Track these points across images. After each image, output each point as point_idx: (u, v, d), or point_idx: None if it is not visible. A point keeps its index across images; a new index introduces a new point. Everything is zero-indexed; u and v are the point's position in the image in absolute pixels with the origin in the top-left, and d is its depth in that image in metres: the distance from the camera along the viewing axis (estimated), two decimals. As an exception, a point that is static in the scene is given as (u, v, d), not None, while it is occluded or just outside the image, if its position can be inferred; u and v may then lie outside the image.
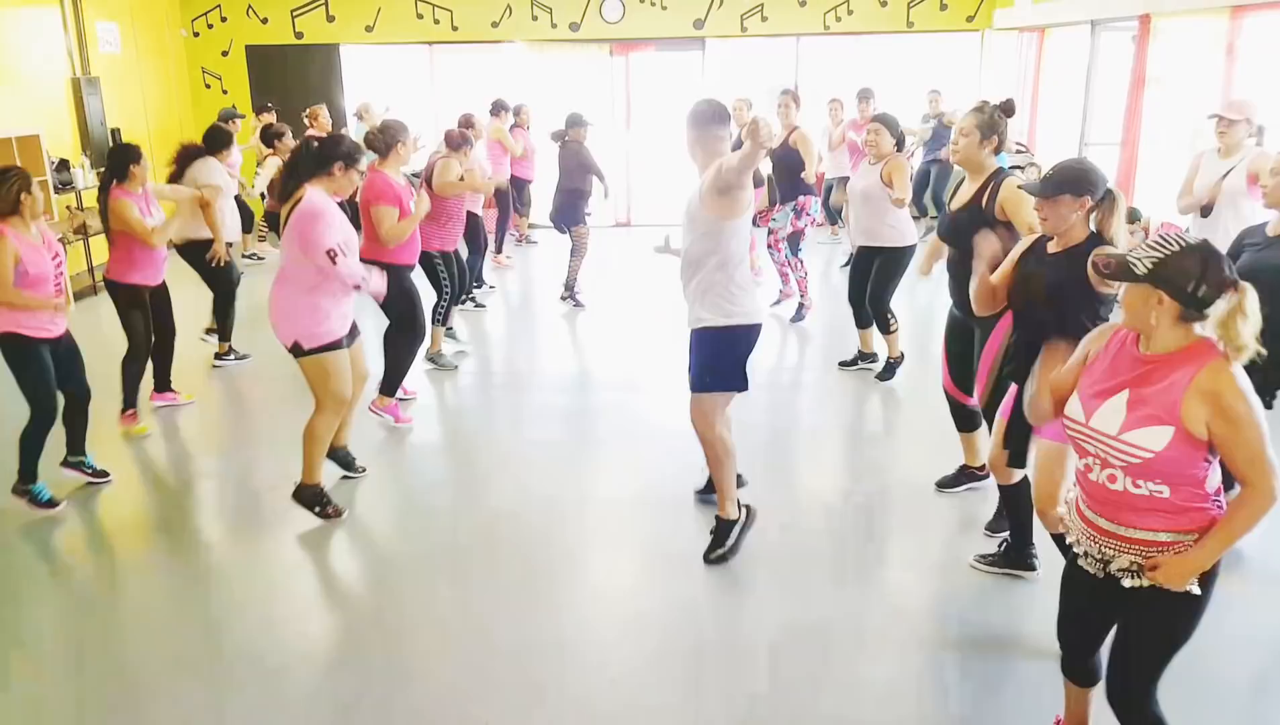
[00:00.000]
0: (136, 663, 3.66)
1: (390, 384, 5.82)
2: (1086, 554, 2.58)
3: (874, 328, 6.59)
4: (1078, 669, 2.85)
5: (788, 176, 7.61)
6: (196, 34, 12.59)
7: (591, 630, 3.81)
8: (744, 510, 4.28)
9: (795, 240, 7.78)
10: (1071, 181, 3.24)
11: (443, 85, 12.88)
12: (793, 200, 7.64)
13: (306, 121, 10.16)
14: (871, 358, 6.78)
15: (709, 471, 4.35)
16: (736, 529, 4.25)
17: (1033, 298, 3.43)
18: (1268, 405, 3.81)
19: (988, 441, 4.45)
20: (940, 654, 3.63)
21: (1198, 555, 2.37)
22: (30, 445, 4.72)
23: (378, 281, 4.71)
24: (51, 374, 4.68)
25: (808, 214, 7.69)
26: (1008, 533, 4.16)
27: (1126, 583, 2.47)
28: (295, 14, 12.48)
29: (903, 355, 6.56)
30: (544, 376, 7.14)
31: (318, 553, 4.48)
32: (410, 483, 5.35)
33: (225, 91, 12.65)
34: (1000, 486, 4.00)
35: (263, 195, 9.33)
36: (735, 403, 4.20)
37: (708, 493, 4.69)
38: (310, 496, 4.67)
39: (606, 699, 3.38)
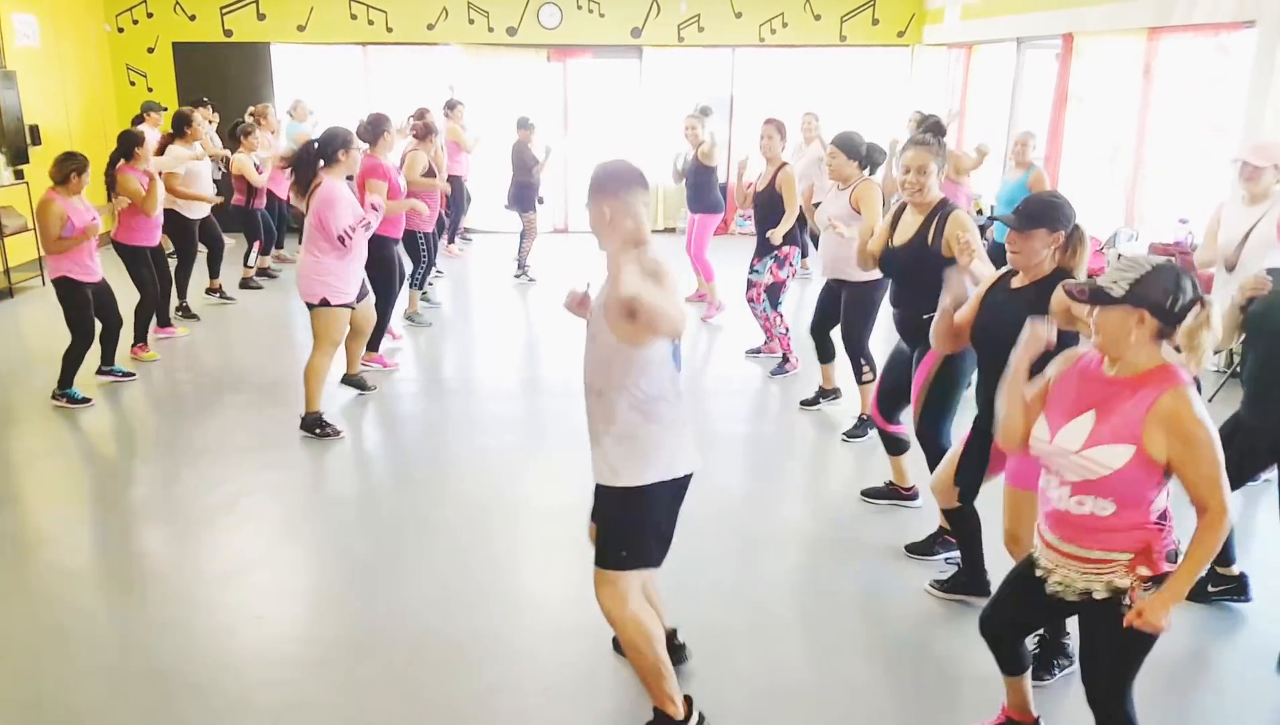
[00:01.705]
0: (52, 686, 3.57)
1: (373, 340, 6.79)
2: (1039, 567, 2.66)
3: (834, 363, 6.16)
4: (1003, 659, 2.96)
5: (769, 221, 6.62)
6: (121, 29, 12.28)
7: (527, 640, 3.79)
8: (696, 716, 3.17)
9: (775, 292, 6.81)
10: (1048, 217, 3.22)
11: (377, 87, 12.73)
12: (774, 249, 6.66)
13: (252, 119, 10.11)
14: (834, 394, 6.30)
15: (631, 662, 3.16)
16: None
17: (999, 333, 3.29)
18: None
19: (913, 463, 4.62)
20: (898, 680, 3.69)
21: (1173, 589, 2.44)
22: (72, 360, 6.16)
23: (359, 271, 5.75)
24: (91, 309, 6.18)
25: (790, 265, 6.73)
26: (943, 557, 4.22)
27: (1067, 598, 2.58)
28: (224, 11, 12.25)
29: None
30: (486, 383, 7.10)
31: (248, 562, 4.39)
32: (349, 486, 5.29)
33: (150, 89, 12.36)
34: (944, 510, 3.99)
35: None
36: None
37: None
38: (312, 421, 5.71)
39: (543, 710, 3.37)
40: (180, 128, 8.13)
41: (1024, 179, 7.39)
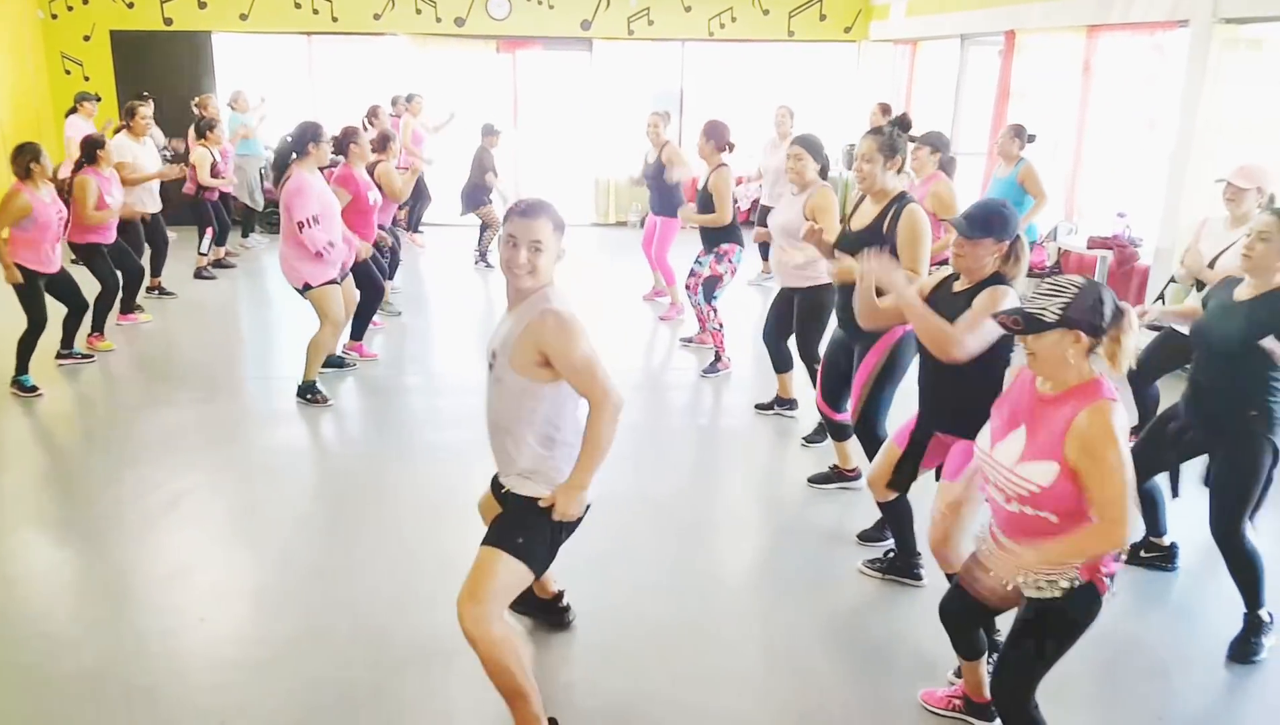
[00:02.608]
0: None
1: (358, 330, 7.06)
2: (1019, 581, 2.66)
3: (792, 372, 6.03)
4: (960, 644, 3.09)
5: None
6: (55, 16, 11.96)
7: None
8: None
9: (710, 286, 6.89)
10: (996, 226, 3.25)
11: (322, 77, 12.58)
12: (716, 245, 6.85)
13: (196, 110, 10.04)
14: (790, 404, 6.15)
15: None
16: None
17: None
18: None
19: (857, 449, 4.70)
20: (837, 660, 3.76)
21: (1030, 557, 2.53)
22: (26, 347, 6.21)
23: (339, 254, 5.98)
24: (43, 298, 6.25)
25: (730, 261, 6.87)
26: (889, 543, 4.31)
27: (1033, 594, 2.62)
28: (164, -1, 12.02)
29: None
30: (440, 378, 7.10)
31: (191, 563, 4.32)
32: (295, 485, 5.22)
33: (87, 78, 12.05)
34: (879, 503, 4.08)
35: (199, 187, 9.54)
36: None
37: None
38: (304, 389, 6.11)
39: (495, 704, 3.34)
40: (126, 120, 8.18)
41: (1013, 175, 7.12)
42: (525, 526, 3.01)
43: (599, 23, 12.49)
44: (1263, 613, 3.71)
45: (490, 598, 2.93)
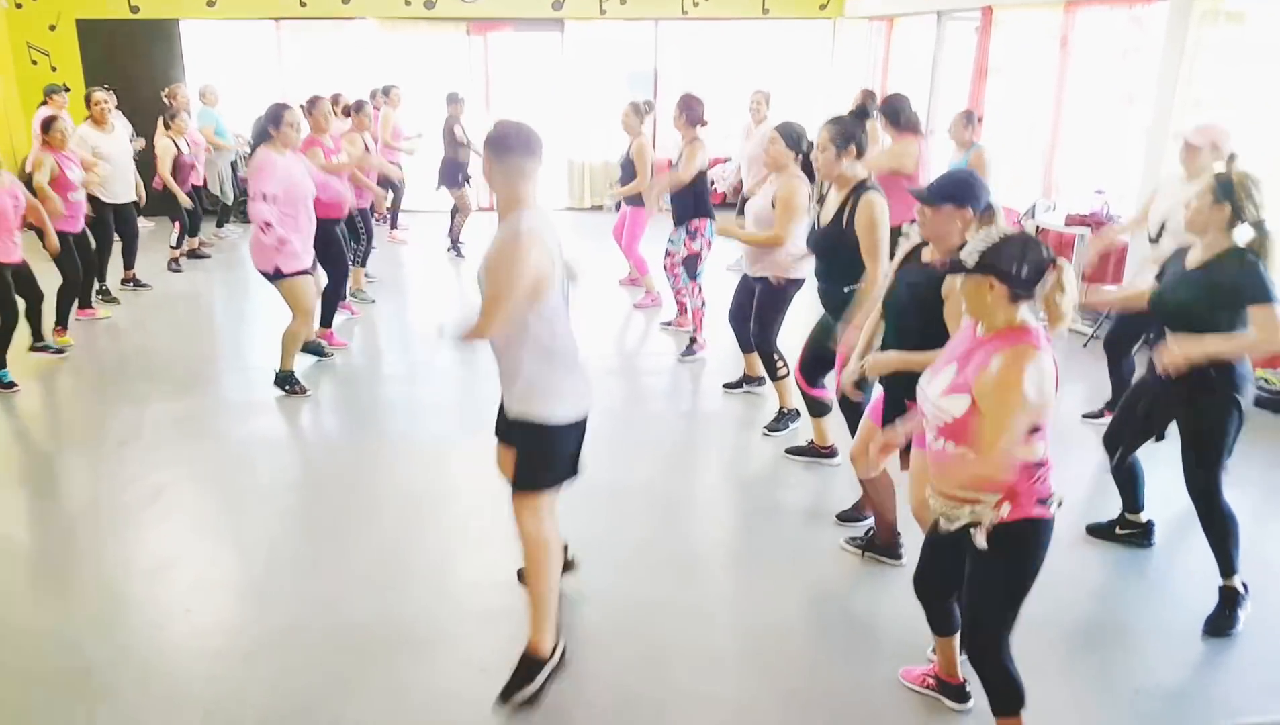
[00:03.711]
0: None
1: (326, 315, 6.93)
2: (937, 512, 2.82)
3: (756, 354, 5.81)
4: (933, 618, 3.14)
5: (682, 193, 6.89)
6: (19, 5, 11.73)
7: (461, 623, 3.76)
8: (560, 648, 3.41)
9: (692, 264, 6.97)
10: (955, 192, 3.27)
11: (291, 63, 12.40)
12: (686, 221, 6.90)
13: (166, 100, 9.85)
14: (759, 381, 6.16)
15: (528, 584, 3.41)
16: (547, 671, 3.34)
17: (908, 303, 3.48)
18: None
19: (835, 425, 4.82)
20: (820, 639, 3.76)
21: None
22: (0, 342, 6.11)
23: (278, 234, 5.64)
24: (12, 290, 6.12)
25: (702, 236, 6.90)
26: (869, 522, 4.33)
27: (951, 527, 2.74)
28: (130, -15, 11.81)
29: (797, 411, 5.57)
30: (415, 366, 7.02)
31: (175, 555, 4.26)
32: (276, 475, 5.15)
33: (54, 69, 11.86)
34: (860, 480, 4.10)
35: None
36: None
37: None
38: (283, 379, 6.08)
39: (479, 691, 3.33)
40: (85, 108, 8.07)
41: (965, 160, 7.09)
42: (539, 459, 3.30)
43: (570, 3, 12.36)
44: (1236, 581, 3.73)
45: (538, 511, 3.30)
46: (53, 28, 11.85)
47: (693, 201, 6.88)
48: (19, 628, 3.75)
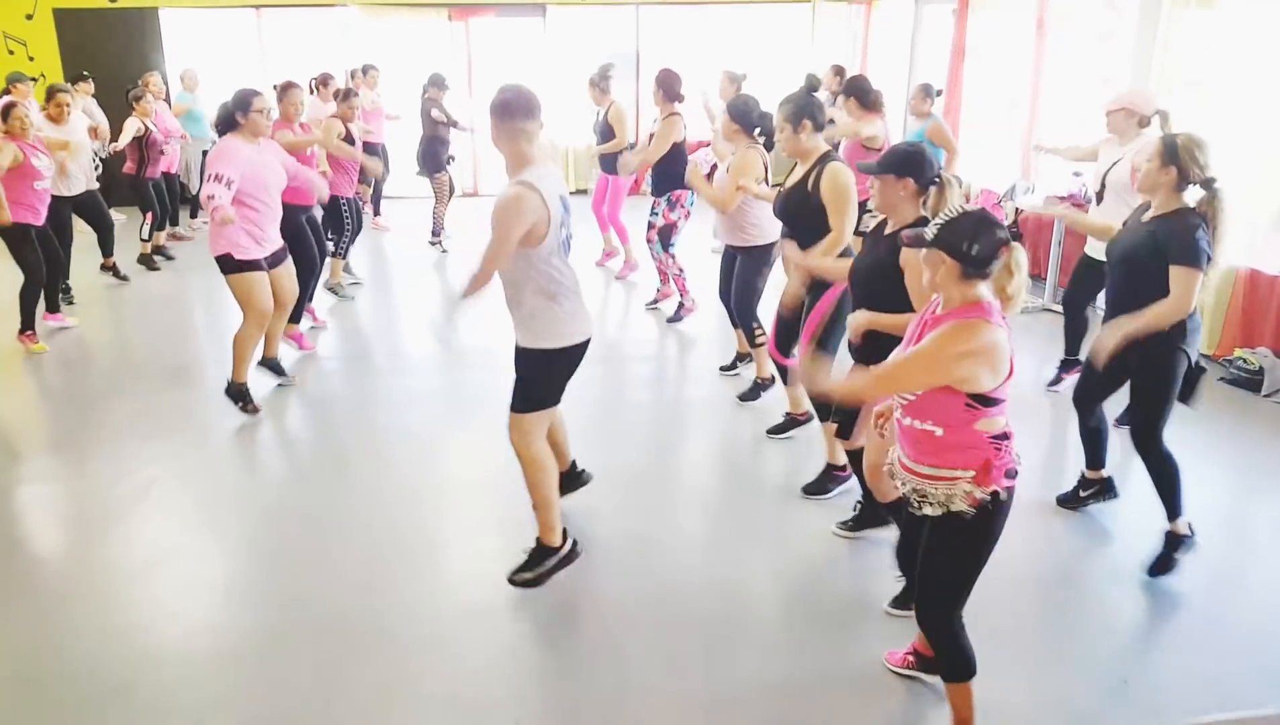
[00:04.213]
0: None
1: (295, 312, 6.42)
2: (904, 488, 2.91)
3: None
4: (912, 593, 3.18)
5: (663, 166, 7.20)
6: (-5, -5, 11.68)
7: (450, 622, 3.81)
8: (570, 544, 3.98)
9: (666, 234, 7.24)
10: (895, 164, 3.43)
11: (272, 50, 12.35)
12: (667, 192, 7.17)
13: (140, 87, 9.56)
14: (750, 359, 6.20)
15: (530, 493, 3.92)
16: (554, 559, 3.91)
17: (869, 273, 3.66)
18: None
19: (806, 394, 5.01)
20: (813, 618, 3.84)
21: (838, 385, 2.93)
22: None
23: (222, 213, 5.13)
24: None
25: (682, 206, 7.20)
26: (836, 492, 4.52)
27: (926, 511, 2.82)
28: (108, -25, 11.72)
29: (774, 378, 5.77)
30: (406, 359, 7.05)
31: (161, 554, 4.32)
32: (263, 471, 5.23)
33: (31, 58, 11.80)
34: (847, 452, 4.19)
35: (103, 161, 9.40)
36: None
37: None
38: (235, 392, 5.72)
39: (468, 690, 3.42)
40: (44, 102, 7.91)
41: (922, 130, 7.53)
42: (532, 383, 3.79)
43: (553, -12, 12.34)
44: (1181, 523, 3.96)
45: (527, 432, 3.80)
46: (29, 17, 11.79)
47: (673, 174, 7.04)
48: (8, 629, 3.78)
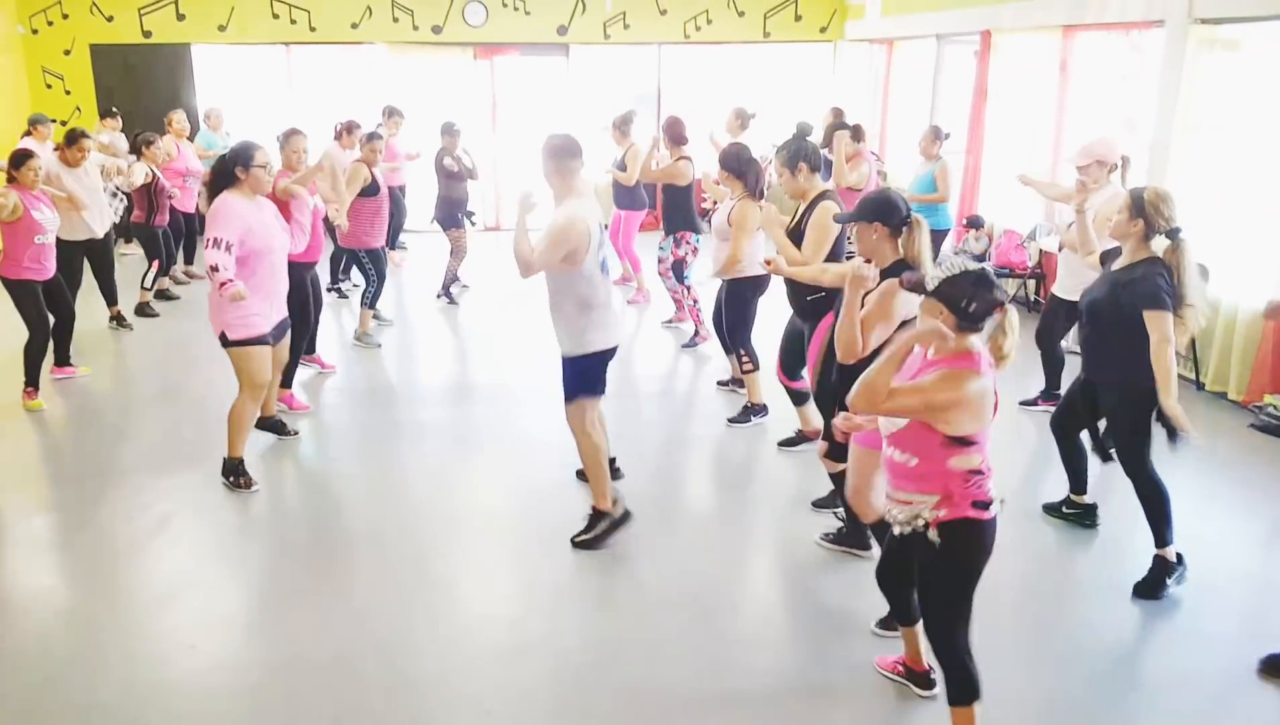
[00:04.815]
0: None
1: (285, 376, 6.15)
2: (890, 513, 3.08)
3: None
4: (895, 607, 3.45)
5: (672, 207, 7.90)
6: (35, 31, 11.91)
7: (465, 661, 3.80)
8: (622, 510, 4.64)
9: (679, 268, 7.85)
10: (865, 211, 3.75)
11: (301, 87, 12.55)
12: (675, 231, 7.80)
13: (166, 127, 9.65)
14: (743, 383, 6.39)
15: (585, 466, 4.66)
16: (607, 522, 4.59)
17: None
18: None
19: (815, 412, 5.29)
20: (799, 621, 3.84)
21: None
22: None
23: (233, 291, 4.69)
24: None
25: (688, 244, 7.79)
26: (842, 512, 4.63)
27: (896, 530, 3.04)
28: (143, 12, 11.95)
29: (765, 406, 6.11)
30: (418, 389, 7.09)
31: (179, 587, 4.33)
32: (281, 506, 5.23)
33: (68, 92, 12.05)
34: (830, 474, 4.48)
35: (127, 196, 9.11)
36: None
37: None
38: (228, 467, 5.25)
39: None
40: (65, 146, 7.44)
41: (930, 172, 8.08)
42: (575, 379, 4.50)
43: (575, 28, 12.51)
44: (1169, 551, 4.14)
45: (579, 416, 4.53)
46: (67, 53, 12.02)
47: (680, 214, 7.80)
48: (23, 663, 3.78)
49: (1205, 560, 4.30)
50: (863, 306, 3.69)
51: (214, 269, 4.67)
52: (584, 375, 4.50)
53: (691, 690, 3.59)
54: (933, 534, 2.90)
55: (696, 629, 3.97)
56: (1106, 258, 4.37)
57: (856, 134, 7.91)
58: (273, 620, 4.10)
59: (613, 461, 5.00)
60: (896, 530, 3.03)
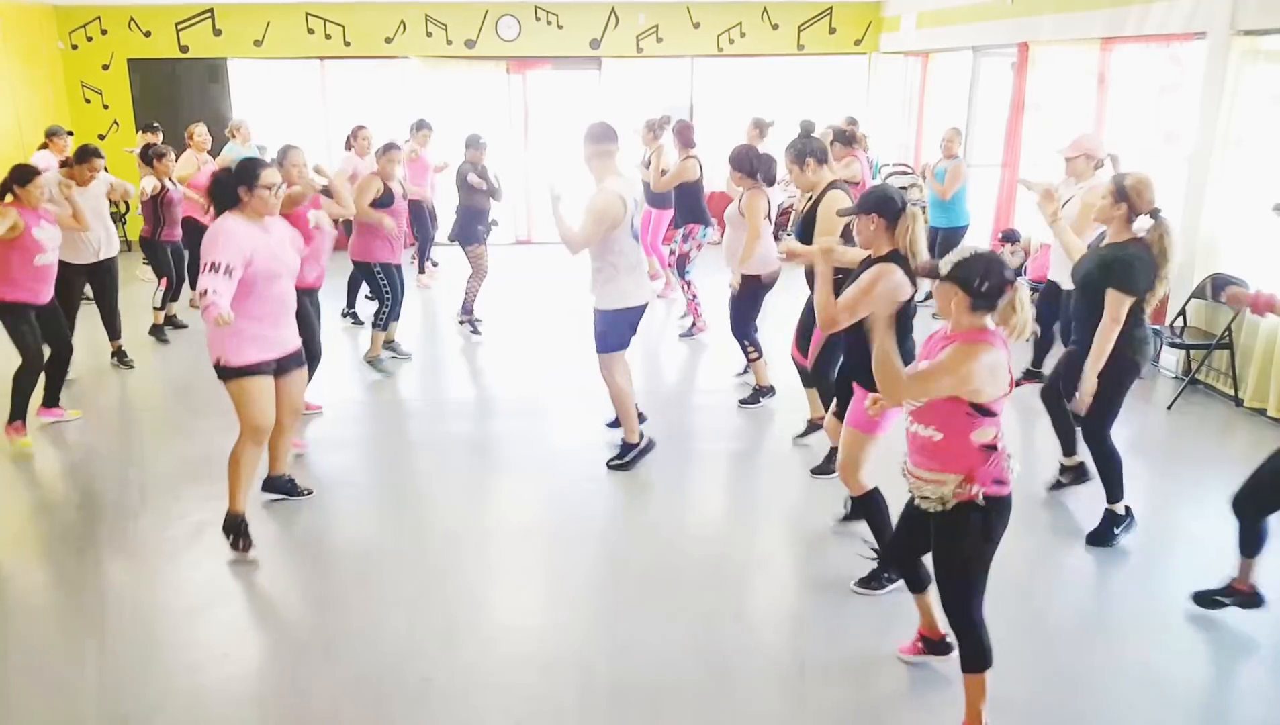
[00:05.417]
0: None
1: None
2: (918, 490, 3.19)
3: (763, 359, 6.59)
4: (907, 577, 3.59)
5: (682, 201, 8.29)
6: (75, 46, 12.12)
7: (498, 674, 3.77)
8: (645, 439, 5.54)
9: (681, 263, 8.24)
10: (864, 205, 3.97)
11: (335, 101, 12.66)
12: (684, 225, 8.20)
13: (185, 139, 9.44)
14: (768, 391, 6.59)
15: (616, 408, 5.52)
16: (636, 451, 5.50)
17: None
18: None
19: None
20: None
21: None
22: None
23: (216, 313, 4.08)
24: None
25: (694, 239, 8.16)
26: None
27: (925, 507, 3.14)
28: (180, 27, 12.12)
29: (773, 388, 6.54)
30: (446, 403, 7.08)
31: (213, 597, 4.34)
32: (313, 518, 5.21)
33: (106, 106, 12.23)
34: (833, 448, 4.77)
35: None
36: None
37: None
38: (229, 524, 4.65)
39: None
40: (75, 161, 6.97)
41: (943, 170, 8.79)
42: (605, 332, 5.33)
43: (608, 41, 12.54)
44: (1119, 506, 4.63)
45: (609, 367, 5.37)
46: (106, 67, 12.21)
47: (688, 207, 8.19)
48: (57, 674, 3.78)
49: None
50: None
51: (204, 293, 4.10)
52: (614, 327, 5.25)
53: (724, 703, 3.53)
54: (980, 499, 3.01)
55: (728, 639, 3.91)
56: (1093, 242, 4.79)
57: (845, 139, 8.40)
58: (307, 629, 4.09)
59: (641, 415, 5.71)
60: (927, 507, 3.13)
